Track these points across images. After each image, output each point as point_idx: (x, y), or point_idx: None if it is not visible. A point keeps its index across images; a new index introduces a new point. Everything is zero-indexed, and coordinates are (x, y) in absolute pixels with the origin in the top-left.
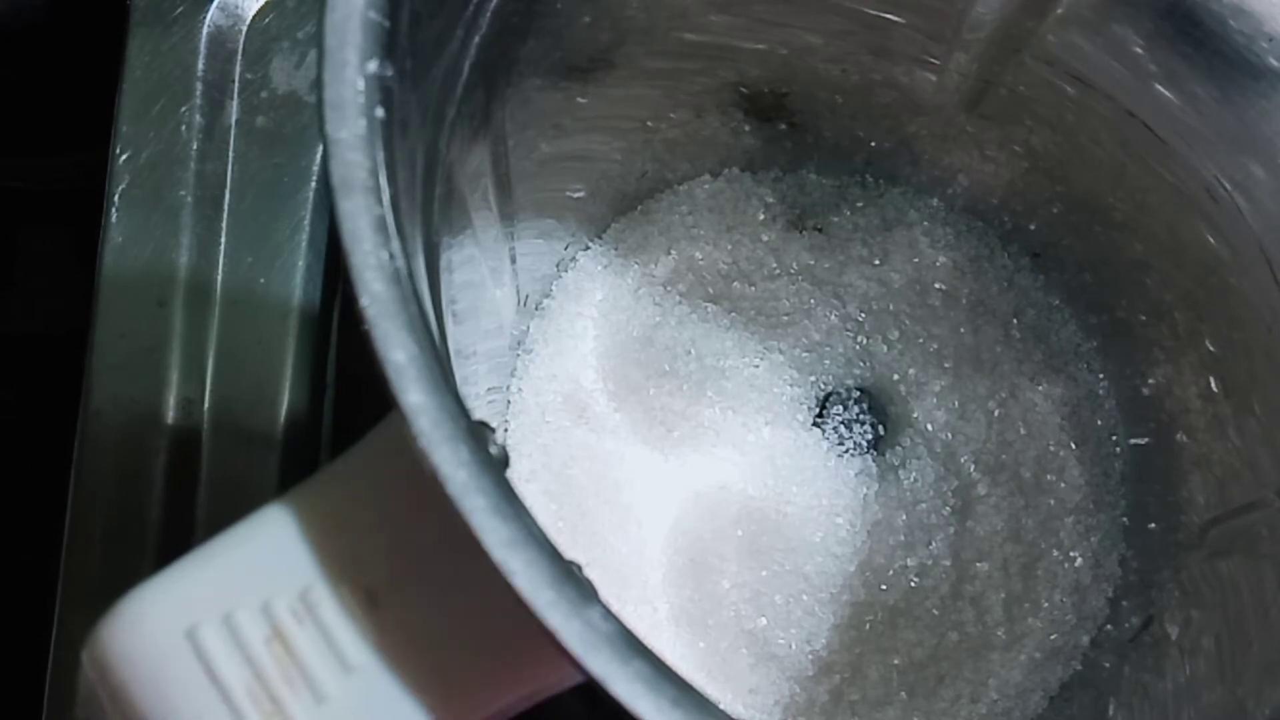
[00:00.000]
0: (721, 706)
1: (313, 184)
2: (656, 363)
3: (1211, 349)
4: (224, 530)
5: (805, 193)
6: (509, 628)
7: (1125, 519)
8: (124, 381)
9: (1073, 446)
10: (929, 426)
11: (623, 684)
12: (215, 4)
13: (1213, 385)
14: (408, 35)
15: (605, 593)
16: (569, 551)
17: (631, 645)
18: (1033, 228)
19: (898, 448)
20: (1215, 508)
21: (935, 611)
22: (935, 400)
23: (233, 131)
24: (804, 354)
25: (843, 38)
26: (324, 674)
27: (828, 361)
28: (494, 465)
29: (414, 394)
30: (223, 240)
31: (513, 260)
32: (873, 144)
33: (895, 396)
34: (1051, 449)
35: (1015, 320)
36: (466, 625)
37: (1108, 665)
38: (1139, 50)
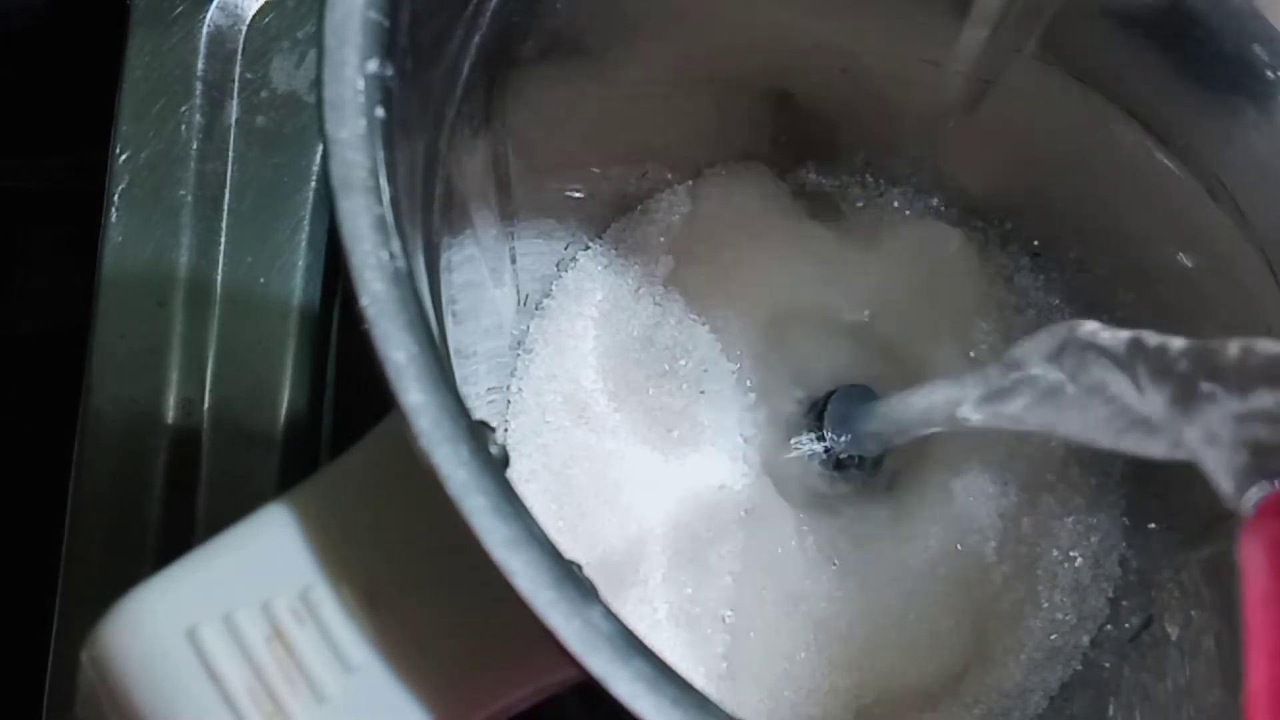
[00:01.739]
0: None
1: (312, 184)
2: (656, 363)
3: None
4: (224, 530)
5: (805, 192)
6: (509, 627)
7: (1125, 519)
8: (124, 381)
9: (1073, 446)
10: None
11: (623, 684)
12: (215, 4)
13: None
14: (408, 35)
15: (605, 593)
16: (569, 551)
17: (632, 645)
18: (1033, 228)
19: (897, 448)
20: (1215, 508)
21: (935, 612)
22: None
23: (233, 131)
24: (804, 354)
25: (842, 38)
26: (324, 674)
27: (828, 361)
28: (494, 465)
29: (414, 393)
30: (223, 240)
31: (513, 260)
32: (873, 144)
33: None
34: (1051, 449)
35: (1015, 320)
36: (467, 625)
37: (1108, 665)
38: (1139, 50)
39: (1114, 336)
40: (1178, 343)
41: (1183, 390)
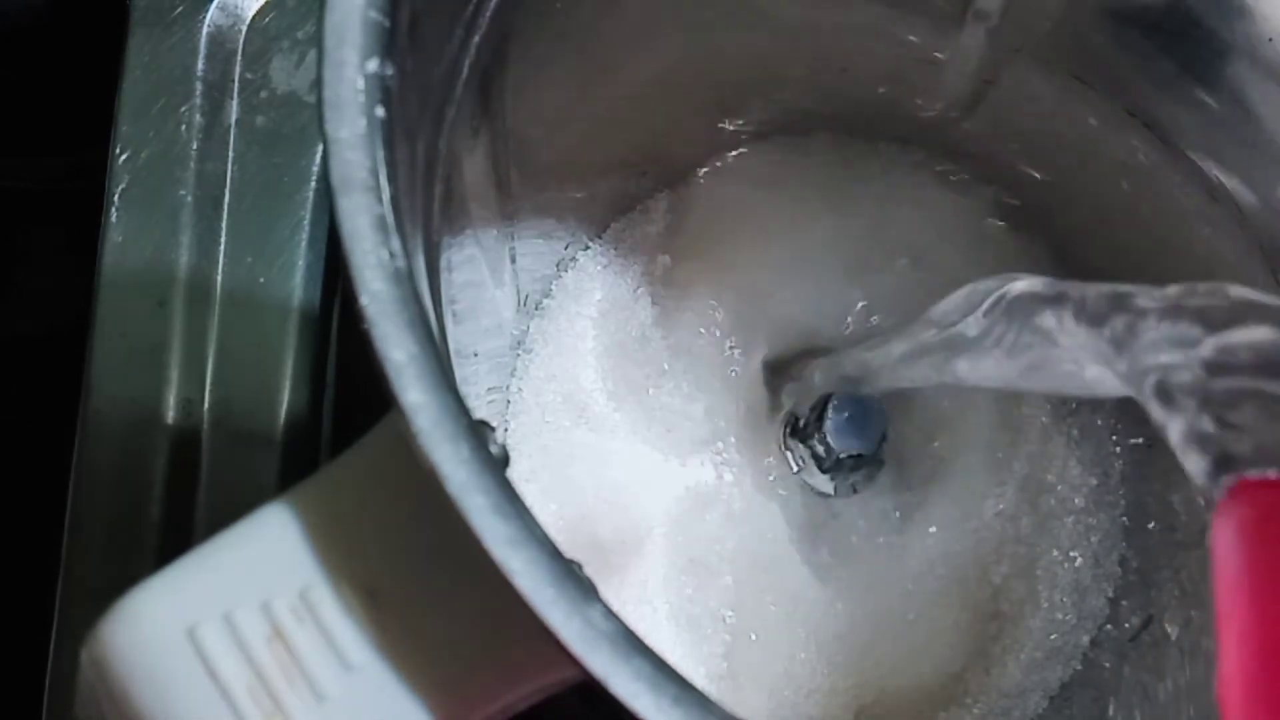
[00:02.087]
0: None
1: (312, 184)
2: (656, 362)
3: None
4: (224, 529)
5: (806, 190)
6: (509, 626)
7: (1125, 519)
8: (124, 381)
9: (1073, 446)
10: (928, 426)
11: (623, 682)
12: (215, 4)
13: None
14: (407, 35)
15: (604, 593)
16: (568, 551)
17: (632, 644)
18: (1033, 228)
19: (897, 447)
20: (1215, 507)
21: (935, 611)
22: (934, 400)
23: (232, 131)
24: (805, 353)
25: (842, 38)
26: (324, 673)
27: (828, 360)
28: (494, 464)
29: (414, 392)
30: (223, 240)
31: (513, 260)
32: (873, 144)
33: (894, 395)
34: (1051, 449)
35: None
36: (467, 624)
37: (1108, 665)
38: (1139, 50)
39: (1051, 286)
40: (1103, 289)
41: (1122, 338)
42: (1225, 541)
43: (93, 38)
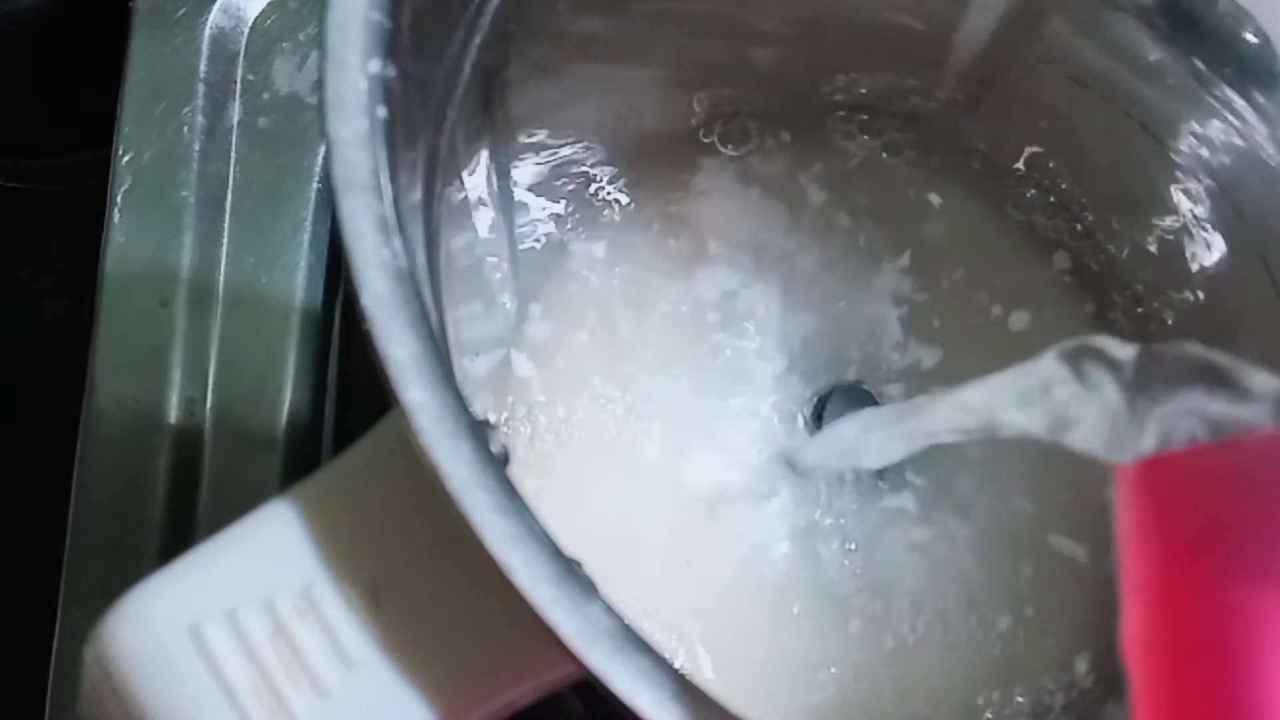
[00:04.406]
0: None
1: (314, 185)
2: (659, 361)
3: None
4: (226, 527)
5: (807, 194)
6: (510, 623)
7: None
8: (126, 381)
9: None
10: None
11: (623, 679)
12: (217, 6)
13: None
14: (409, 36)
15: (605, 593)
16: (567, 550)
17: (632, 640)
18: (1032, 232)
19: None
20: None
21: (946, 607)
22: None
23: (235, 132)
24: (806, 352)
25: (842, 41)
26: (326, 670)
27: (830, 359)
28: (495, 462)
29: (415, 391)
30: (225, 240)
31: (514, 258)
32: (875, 146)
33: (897, 395)
34: (1062, 456)
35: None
36: (468, 621)
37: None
38: (1136, 52)
39: (1122, 348)
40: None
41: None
42: (1122, 503)
43: (95, 39)
